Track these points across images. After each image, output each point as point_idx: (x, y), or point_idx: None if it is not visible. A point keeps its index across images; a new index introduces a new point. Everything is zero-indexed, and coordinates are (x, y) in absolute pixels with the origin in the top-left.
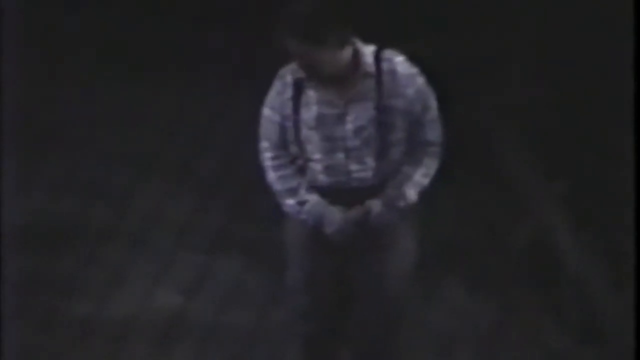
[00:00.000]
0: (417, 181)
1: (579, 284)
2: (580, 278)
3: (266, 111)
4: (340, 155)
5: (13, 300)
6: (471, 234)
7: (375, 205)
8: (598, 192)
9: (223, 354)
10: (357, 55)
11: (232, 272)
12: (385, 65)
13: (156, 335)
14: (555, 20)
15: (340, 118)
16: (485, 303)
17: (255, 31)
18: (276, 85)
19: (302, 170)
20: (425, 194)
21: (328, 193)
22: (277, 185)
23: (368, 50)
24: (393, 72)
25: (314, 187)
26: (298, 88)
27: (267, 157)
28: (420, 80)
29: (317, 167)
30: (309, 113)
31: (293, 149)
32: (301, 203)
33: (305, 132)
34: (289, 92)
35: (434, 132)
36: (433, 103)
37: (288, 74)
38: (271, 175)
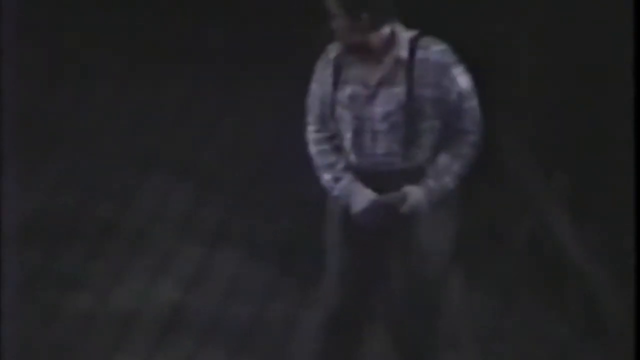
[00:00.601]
0: (455, 171)
1: (580, 279)
2: (581, 273)
3: (313, 85)
4: (368, 137)
5: (14, 295)
6: (473, 230)
7: (414, 193)
8: (599, 188)
9: (224, 347)
10: (393, 38)
11: (233, 266)
12: (420, 53)
13: (157, 329)
14: (556, 19)
15: (370, 99)
16: (487, 298)
17: (255, 29)
18: (322, 60)
19: (339, 148)
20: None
21: (360, 174)
22: (317, 159)
23: (406, 36)
24: (426, 61)
25: (350, 167)
26: (338, 65)
27: (310, 130)
28: (457, 71)
29: (347, 145)
30: (343, 91)
31: (331, 125)
32: (336, 179)
33: (339, 111)
34: (329, 69)
35: (471, 121)
36: (471, 92)
37: (332, 51)
38: (312, 149)
